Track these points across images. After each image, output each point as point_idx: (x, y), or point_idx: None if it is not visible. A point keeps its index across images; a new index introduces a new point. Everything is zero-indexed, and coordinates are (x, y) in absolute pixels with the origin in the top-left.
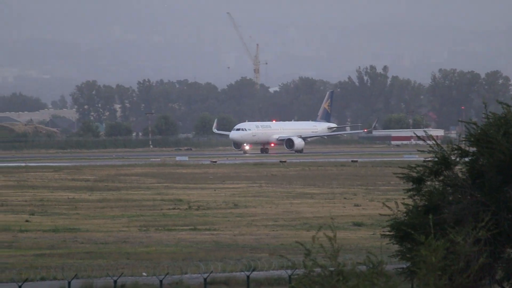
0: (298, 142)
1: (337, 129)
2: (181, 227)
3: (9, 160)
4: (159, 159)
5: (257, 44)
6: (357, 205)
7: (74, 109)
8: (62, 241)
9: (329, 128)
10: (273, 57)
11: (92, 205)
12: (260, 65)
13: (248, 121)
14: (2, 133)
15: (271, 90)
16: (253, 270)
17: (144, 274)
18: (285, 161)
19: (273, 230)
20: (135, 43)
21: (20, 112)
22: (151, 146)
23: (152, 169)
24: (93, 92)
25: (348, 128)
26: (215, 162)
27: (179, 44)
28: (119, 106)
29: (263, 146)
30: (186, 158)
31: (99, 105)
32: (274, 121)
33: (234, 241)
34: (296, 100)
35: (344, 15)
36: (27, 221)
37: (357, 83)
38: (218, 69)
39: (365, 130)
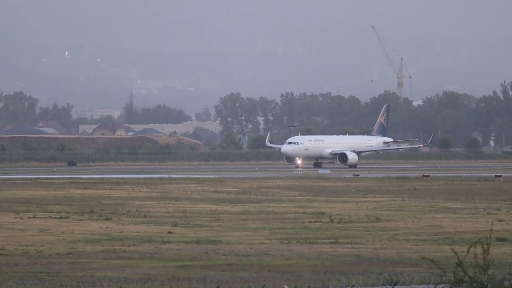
0: (352, 157)
1: (394, 143)
2: (323, 240)
3: (153, 172)
4: (301, 172)
5: (401, 58)
6: (501, 220)
7: (217, 121)
8: (204, 252)
9: (385, 143)
10: (417, 71)
11: (234, 217)
12: (404, 79)
13: (390, 135)
14: (146, 144)
15: (415, 104)
16: (395, 284)
17: (285, 286)
18: (428, 175)
19: (415, 245)
20: (279, 55)
21: (164, 124)
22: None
23: (294, 182)
24: (237, 105)
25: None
26: (358, 175)
27: (322, 57)
28: (262, 118)
29: (316, 161)
30: (328, 171)
31: (242, 117)
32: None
33: (375, 255)
34: (440, 114)
35: (490, 29)
36: (169, 232)
37: (502, 98)
38: (362, 83)
39: (421, 145)
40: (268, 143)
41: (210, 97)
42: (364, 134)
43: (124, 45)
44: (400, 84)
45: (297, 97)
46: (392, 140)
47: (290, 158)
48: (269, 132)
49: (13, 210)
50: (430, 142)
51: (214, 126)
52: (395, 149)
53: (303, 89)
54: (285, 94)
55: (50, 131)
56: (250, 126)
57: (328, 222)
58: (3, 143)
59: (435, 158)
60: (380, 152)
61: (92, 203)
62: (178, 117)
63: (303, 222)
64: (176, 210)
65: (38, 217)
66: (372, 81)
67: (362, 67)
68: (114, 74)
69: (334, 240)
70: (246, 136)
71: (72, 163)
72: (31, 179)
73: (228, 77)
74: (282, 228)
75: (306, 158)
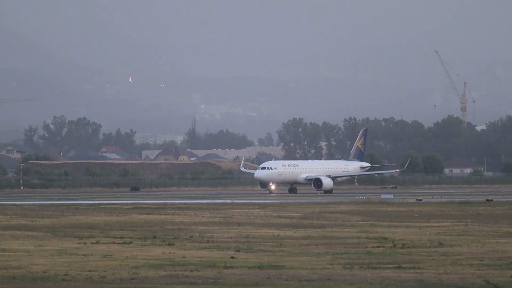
0: (327, 182)
1: (371, 168)
2: (386, 265)
3: (216, 197)
4: (364, 197)
5: (465, 82)
6: None
7: (280, 147)
8: (266, 278)
9: (362, 168)
10: (481, 96)
11: (297, 242)
12: (467, 103)
13: (455, 159)
14: (209, 170)
15: (478, 128)
16: None
17: None
18: (491, 200)
19: (479, 270)
20: (341, 80)
21: (227, 149)
22: (356, 183)
23: (357, 207)
24: (299, 130)
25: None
26: (421, 200)
27: (385, 82)
28: (325, 143)
29: (291, 186)
30: (391, 196)
31: (305, 142)
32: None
33: (439, 280)
34: (504, 139)
35: None
36: (232, 257)
37: None
38: (425, 107)
39: (398, 170)
40: (242, 169)
41: (273, 122)
42: (431, 159)
43: (187, 71)
44: (463, 109)
45: (360, 122)
46: (369, 165)
47: (264, 184)
48: (243, 158)
49: (76, 235)
50: (406, 167)
51: (277, 151)
52: (371, 174)
53: (365, 114)
54: (348, 119)
55: (113, 157)
56: (313, 151)
57: (391, 247)
58: (66, 169)
59: (499, 182)
60: (356, 177)
61: (155, 229)
62: (241, 142)
63: (366, 247)
64: (238, 235)
65: (101, 243)
66: (435, 105)
67: (425, 91)
68: (177, 100)
69: (397, 265)
70: None
71: (135, 189)
72: (94, 204)
73: (290, 102)
74: (344, 253)
75: (281, 183)
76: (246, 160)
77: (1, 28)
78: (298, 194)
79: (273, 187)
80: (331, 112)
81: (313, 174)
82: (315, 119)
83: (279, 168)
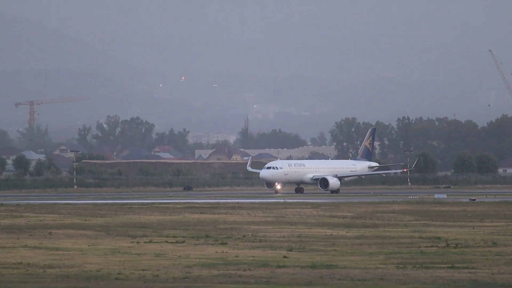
0: (333, 182)
1: (379, 168)
2: (439, 265)
3: (268, 196)
4: (417, 197)
5: None
6: None
7: (332, 146)
8: (319, 277)
9: (370, 167)
10: None
11: (350, 242)
12: None
13: (509, 159)
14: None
15: None
16: None
17: None
18: None
19: None
20: (394, 80)
21: (279, 149)
22: (409, 183)
23: (410, 207)
24: (352, 129)
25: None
26: (474, 200)
27: (438, 81)
28: (378, 143)
29: (297, 186)
30: (444, 196)
31: (358, 142)
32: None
33: (492, 280)
34: None
35: None
36: (285, 257)
37: None
38: (478, 107)
39: (405, 170)
40: (249, 168)
41: (326, 122)
42: (484, 158)
43: (240, 70)
44: None
45: (413, 122)
46: (377, 164)
47: (269, 184)
48: (250, 157)
49: (129, 234)
50: (414, 167)
51: (330, 151)
52: (379, 173)
53: (419, 113)
54: (401, 119)
55: (166, 156)
56: None
57: (444, 246)
58: (120, 168)
59: None
60: (364, 177)
61: (208, 228)
62: (293, 141)
63: (419, 247)
64: (291, 235)
65: (154, 242)
66: (489, 105)
67: (479, 91)
68: (230, 99)
69: (450, 265)
70: None
71: (188, 188)
72: (148, 204)
73: (343, 101)
74: (397, 253)
75: (287, 183)
76: (298, 159)
77: (56, 29)
78: (305, 194)
79: (278, 187)
80: (384, 112)
81: (319, 174)
82: (368, 119)
83: (285, 168)
